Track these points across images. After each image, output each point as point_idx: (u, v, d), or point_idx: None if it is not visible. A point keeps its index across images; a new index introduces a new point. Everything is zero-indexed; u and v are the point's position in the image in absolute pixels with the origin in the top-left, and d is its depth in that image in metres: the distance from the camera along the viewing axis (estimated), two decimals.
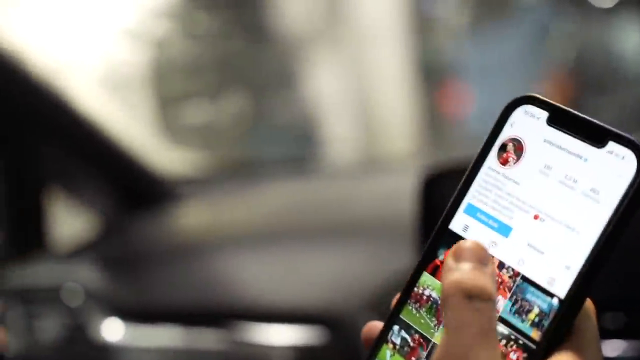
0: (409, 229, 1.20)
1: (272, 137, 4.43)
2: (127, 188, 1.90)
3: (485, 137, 0.58)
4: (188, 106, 4.15)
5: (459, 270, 0.53)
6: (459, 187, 0.59)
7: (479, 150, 0.58)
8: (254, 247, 1.60)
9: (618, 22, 5.33)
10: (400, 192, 1.35)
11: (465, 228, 0.59)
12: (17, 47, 1.61)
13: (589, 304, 0.54)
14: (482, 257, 0.53)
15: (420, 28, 5.07)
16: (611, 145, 0.51)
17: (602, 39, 5.22)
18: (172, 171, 1.96)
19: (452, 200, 0.60)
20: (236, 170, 2.37)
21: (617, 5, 5.44)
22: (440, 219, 0.61)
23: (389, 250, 1.44)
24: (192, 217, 1.82)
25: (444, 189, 1.17)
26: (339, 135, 4.37)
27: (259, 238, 1.64)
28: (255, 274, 1.52)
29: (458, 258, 0.54)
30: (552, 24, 5.17)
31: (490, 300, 0.52)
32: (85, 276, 1.66)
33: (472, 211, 0.58)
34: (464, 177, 0.59)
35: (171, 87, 4.00)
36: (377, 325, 0.61)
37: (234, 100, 4.42)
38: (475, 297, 0.51)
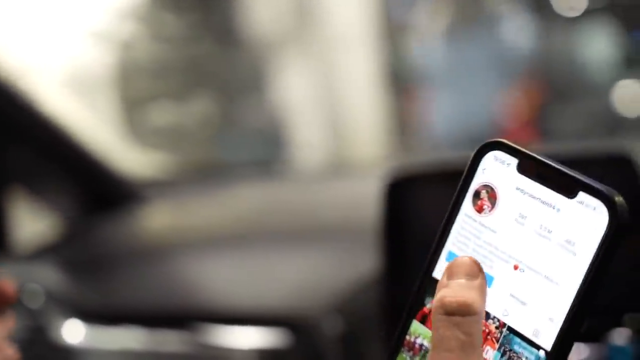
0: (375, 233, 1.20)
1: (240, 140, 4.52)
2: (91, 189, 1.89)
3: (459, 183, 0.57)
4: (154, 108, 4.15)
5: (446, 287, 0.53)
6: (438, 233, 0.58)
7: (454, 195, 0.57)
8: (219, 250, 1.60)
9: (584, 31, 5.38)
10: (367, 196, 1.34)
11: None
12: None
13: None
14: (471, 272, 0.53)
15: (389, 34, 5.09)
16: (582, 195, 0.51)
17: (569, 47, 5.27)
18: (137, 173, 1.95)
19: (433, 246, 0.58)
20: (203, 172, 2.36)
21: (583, 15, 5.40)
22: (424, 267, 0.59)
23: (355, 254, 1.44)
24: (157, 219, 1.81)
25: (407, 193, 1.16)
26: (308, 139, 4.43)
27: (224, 241, 1.64)
28: (220, 277, 1.52)
29: (450, 276, 0.53)
30: (520, 32, 5.17)
31: (470, 314, 0.51)
32: (46, 277, 1.64)
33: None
34: (443, 222, 0.58)
35: (137, 89, 4.03)
36: None
37: (202, 103, 4.43)
38: (454, 312, 0.51)
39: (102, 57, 3.78)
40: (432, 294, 0.56)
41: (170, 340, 1.45)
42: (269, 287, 1.47)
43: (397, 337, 0.58)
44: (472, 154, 0.57)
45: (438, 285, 0.52)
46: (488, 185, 0.55)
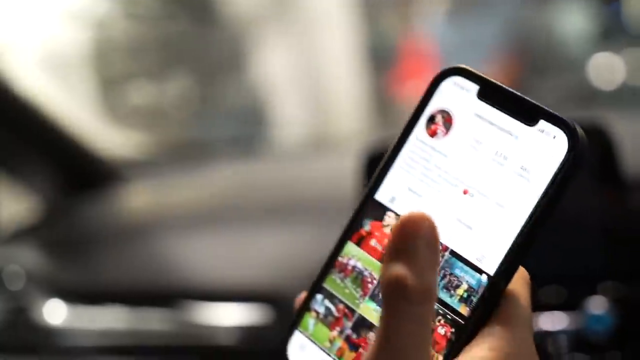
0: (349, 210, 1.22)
1: (219, 119, 4.44)
2: (70, 170, 1.89)
3: (413, 107, 0.56)
4: (132, 88, 4.12)
5: (405, 262, 0.46)
6: (385, 156, 0.57)
7: (406, 120, 0.56)
8: (200, 228, 1.61)
9: (560, 5, 5.44)
10: (346, 172, 1.36)
11: (392, 199, 0.57)
12: None
13: (524, 276, 0.54)
14: (433, 241, 0.47)
15: (370, 11, 5.09)
16: (542, 124, 0.51)
17: (546, 21, 5.32)
18: (116, 153, 1.95)
19: (378, 169, 0.57)
20: (183, 152, 2.36)
21: None
22: (367, 188, 0.58)
23: (335, 231, 1.45)
24: (137, 199, 1.82)
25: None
26: (288, 117, 4.40)
27: (205, 219, 1.64)
28: (202, 255, 1.53)
29: (406, 240, 0.47)
30: (499, 8, 5.22)
31: (431, 301, 0.47)
32: (26, 258, 1.65)
33: (400, 182, 0.57)
34: (391, 146, 0.57)
35: (114, 69, 4.00)
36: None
37: (180, 82, 4.39)
38: (415, 301, 0.46)
39: (78, 36, 3.74)
40: (372, 217, 0.57)
41: (152, 318, 1.46)
42: (250, 264, 1.48)
43: (329, 257, 0.58)
44: (431, 79, 0.56)
45: (389, 247, 0.46)
46: (444, 110, 0.55)
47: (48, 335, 1.51)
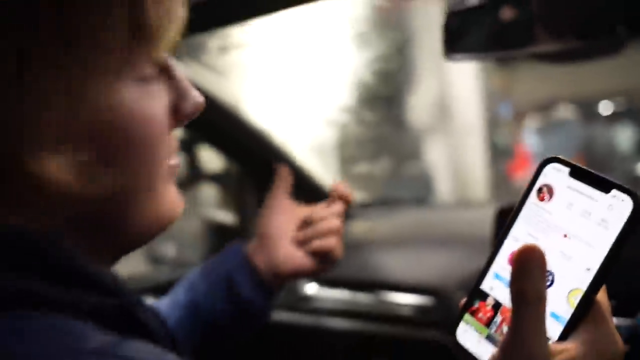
0: (486, 242, 1.19)
1: (404, 184, 4.61)
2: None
3: (527, 183, 0.54)
4: (357, 163, 4.32)
5: (525, 279, 0.44)
6: (512, 212, 0.54)
7: (524, 191, 0.54)
8: (393, 247, 1.61)
9: (615, 125, 5.26)
10: (481, 219, 1.34)
11: (517, 240, 0.53)
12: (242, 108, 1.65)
13: (604, 290, 0.50)
14: (542, 264, 0.44)
15: (496, 123, 5.12)
16: (614, 192, 0.49)
17: (604, 135, 5.17)
18: None
19: (509, 219, 0.53)
20: (383, 202, 2.40)
21: (614, 114, 5.36)
22: (485, 265, 0.54)
23: (472, 255, 1.42)
24: (358, 227, 1.84)
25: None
26: (444, 186, 4.53)
27: (395, 242, 1.64)
28: (394, 263, 1.53)
29: (525, 261, 0.44)
30: (572, 124, 5.10)
31: (542, 303, 0.44)
32: None
33: (522, 230, 0.53)
34: (516, 206, 0.53)
35: (348, 152, 4.37)
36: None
37: (383, 162, 4.60)
38: (533, 302, 0.43)
39: (330, 134, 4.05)
40: (480, 297, 0.53)
41: (364, 298, 1.48)
42: (420, 270, 1.47)
43: (459, 314, 0.54)
44: (538, 164, 0.54)
45: (514, 268, 0.44)
46: (548, 185, 0.52)
47: (306, 300, 1.54)
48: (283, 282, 0.86)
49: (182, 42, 0.49)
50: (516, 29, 0.88)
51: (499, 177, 5.22)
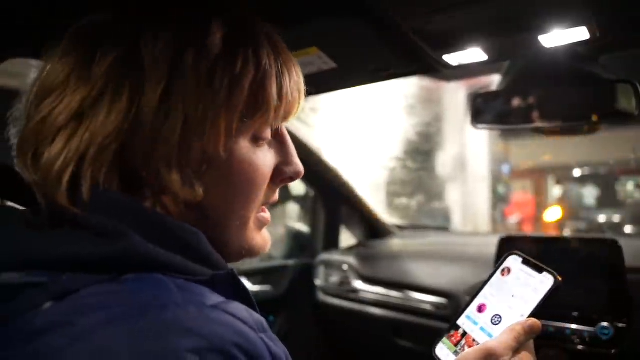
0: (488, 261, 1.15)
1: (431, 215, 4.58)
2: (373, 228, 1.80)
3: (495, 266, 0.61)
4: (400, 198, 4.46)
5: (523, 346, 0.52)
6: (484, 282, 0.60)
7: (493, 270, 0.61)
8: (419, 260, 1.57)
9: (585, 186, 5.16)
10: (484, 244, 1.30)
11: (485, 298, 0.59)
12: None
13: (530, 323, 0.55)
14: (535, 330, 0.52)
15: (495, 175, 5.07)
16: (545, 273, 0.57)
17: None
18: (390, 224, 1.93)
19: (481, 285, 0.60)
20: (416, 227, 2.35)
21: (584, 177, 5.06)
22: (465, 305, 0.60)
23: (477, 270, 1.38)
24: (397, 243, 1.79)
25: (509, 244, 1.09)
26: (459, 219, 4.64)
27: (422, 257, 1.60)
28: (422, 271, 1.49)
29: (528, 333, 0.52)
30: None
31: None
32: (352, 260, 1.62)
33: (488, 292, 0.59)
34: (486, 279, 0.60)
35: (393, 188, 4.33)
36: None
37: (417, 198, 4.80)
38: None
39: (382, 173, 4.24)
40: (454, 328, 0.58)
41: (397, 294, 1.44)
42: (439, 279, 1.43)
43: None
44: (505, 256, 0.61)
45: (518, 330, 0.52)
46: (508, 267, 0.60)
47: (354, 292, 1.52)
48: None
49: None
50: (520, 111, 0.90)
51: (498, 216, 5.28)
